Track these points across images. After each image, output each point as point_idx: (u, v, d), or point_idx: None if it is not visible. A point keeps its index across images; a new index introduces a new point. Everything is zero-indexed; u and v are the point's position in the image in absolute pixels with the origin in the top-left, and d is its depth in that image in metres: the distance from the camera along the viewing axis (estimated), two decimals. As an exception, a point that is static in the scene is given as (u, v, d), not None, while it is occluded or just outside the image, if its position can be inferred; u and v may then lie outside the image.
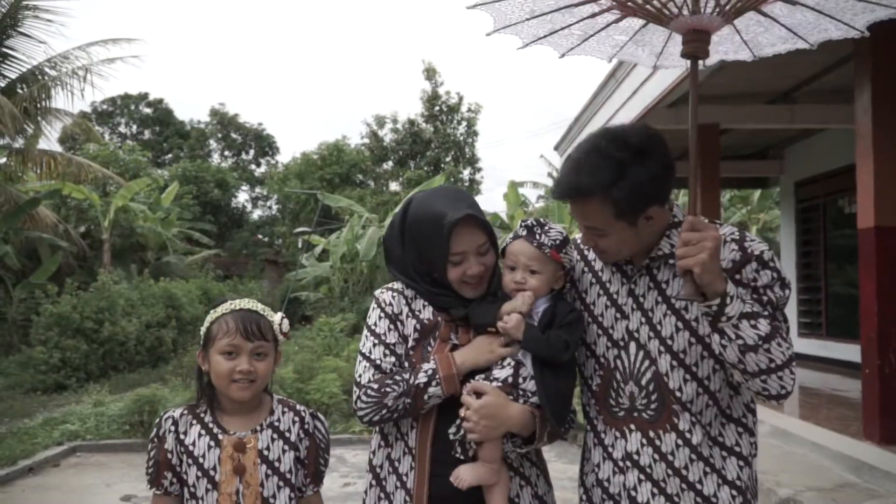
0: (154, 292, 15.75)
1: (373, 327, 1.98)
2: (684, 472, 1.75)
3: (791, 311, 12.19)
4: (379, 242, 18.80)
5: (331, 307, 18.39)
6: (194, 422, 1.95)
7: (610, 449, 1.86)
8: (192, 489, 1.90)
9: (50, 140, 16.80)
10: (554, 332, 1.83)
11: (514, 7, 1.80)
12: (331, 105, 79.65)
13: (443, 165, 28.89)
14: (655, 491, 1.77)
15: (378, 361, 1.93)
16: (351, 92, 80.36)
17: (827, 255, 11.08)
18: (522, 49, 1.95)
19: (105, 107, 39.08)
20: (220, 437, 1.92)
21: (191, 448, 1.91)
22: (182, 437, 1.92)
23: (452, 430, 1.84)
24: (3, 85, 14.76)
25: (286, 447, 1.97)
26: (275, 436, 1.97)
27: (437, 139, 29.42)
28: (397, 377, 1.87)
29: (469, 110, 30.19)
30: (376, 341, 1.95)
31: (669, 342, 1.77)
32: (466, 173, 30.33)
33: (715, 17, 1.66)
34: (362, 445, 7.16)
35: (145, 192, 21.40)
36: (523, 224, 1.92)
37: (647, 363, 1.80)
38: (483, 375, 1.86)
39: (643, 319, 1.81)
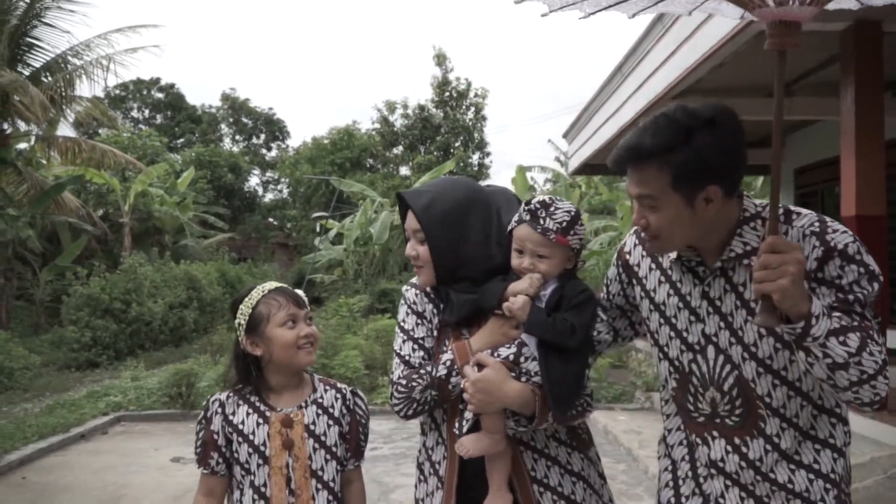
0: (175, 274, 16.27)
1: (402, 324, 2.01)
2: (772, 475, 1.66)
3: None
4: (391, 226, 19.36)
5: (345, 289, 18.97)
6: (241, 402, 2.03)
7: (694, 454, 1.78)
8: (245, 465, 1.98)
9: (67, 125, 17.26)
10: (560, 315, 1.78)
11: None
12: (341, 90, 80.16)
13: (452, 150, 29.35)
14: (744, 495, 1.69)
15: (407, 357, 1.95)
16: (361, 77, 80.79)
17: (823, 239, 11.56)
18: (586, 18, 1.77)
19: (118, 92, 39.55)
20: (268, 414, 2.00)
21: (240, 427, 2.00)
22: (230, 417, 2.01)
23: (463, 410, 1.86)
24: (27, 74, 15.26)
25: (331, 422, 2.06)
26: (319, 411, 2.05)
27: (446, 124, 29.86)
28: (422, 371, 1.89)
29: (476, 95, 30.62)
30: (405, 337, 1.98)
31: (753, 349, 1.65)
32: (475, 158, 30.82)
33: (806, 7, 1.49)
34: (384, 416, 7.75)
35: (161, 177, 21.96)
36: (527, 207, 1.85)
37: (728, 368, 1.68)
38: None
39: (722, 324, 1.68)
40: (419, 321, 1.98)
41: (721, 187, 1.59)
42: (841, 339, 1.49)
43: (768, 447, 1.66)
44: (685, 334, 1.74)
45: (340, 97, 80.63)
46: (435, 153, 29.16)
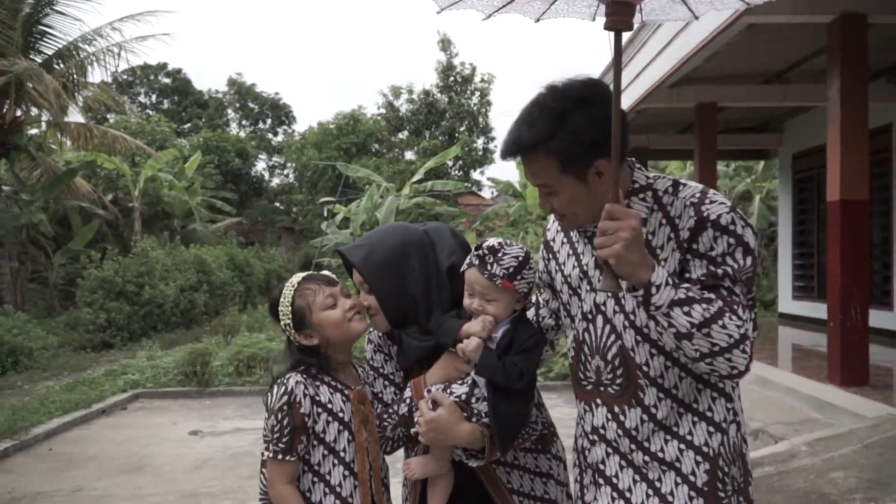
0: (186, 258, 16.62)
1: (371, 362, 2.09)
2: (646, 444, 1.71)
3: (786, 275, 13.00)
4: (397, 210, 19.64)
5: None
6: (318, 382, 2.00)
7: (581, 422, 1.87)
8: (331, 444, 1.97)
9: (76, 110, 17.48)
10: (510, 358, 1.84)
11: None
12: (347, 75, 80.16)
13: (457, 135, 29.55)
14: (623, 463, 1.75)
15: (380, 394, 2.04)
16: (367, 63, 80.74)
17: (820, 223, 11.79)
18: (487, 20, 1.88)
19: (125, 77, 39.73)
20: (346, 391, 2.02)
21: (328, 405, 1.98)
22: (316, 397, 1.97)
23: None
24: (39, 61, 15.52)
25: None
26: None
27: (451, 109, 30.05)
28: (391, 410, 2.00)
29: (482, 80, 30.77)
30: (375, 375, 2.07)
31: (633, 317, 1.70)
32: (480, 142, 31.04)
33: None
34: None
35: (170, 162, 22.23)
36: (476, 252, 1.90)
37: (612, 337, 1.74)
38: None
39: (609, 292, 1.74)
40: (387, 358, 2.07)
41: (607, 159, 1.60)
42: (685, 309, 1.51)
43: (644, 417, 1.71)
44: (583, 304, 1.81)
45: (346, 82, 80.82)
46: (440, 138, 29.37)
